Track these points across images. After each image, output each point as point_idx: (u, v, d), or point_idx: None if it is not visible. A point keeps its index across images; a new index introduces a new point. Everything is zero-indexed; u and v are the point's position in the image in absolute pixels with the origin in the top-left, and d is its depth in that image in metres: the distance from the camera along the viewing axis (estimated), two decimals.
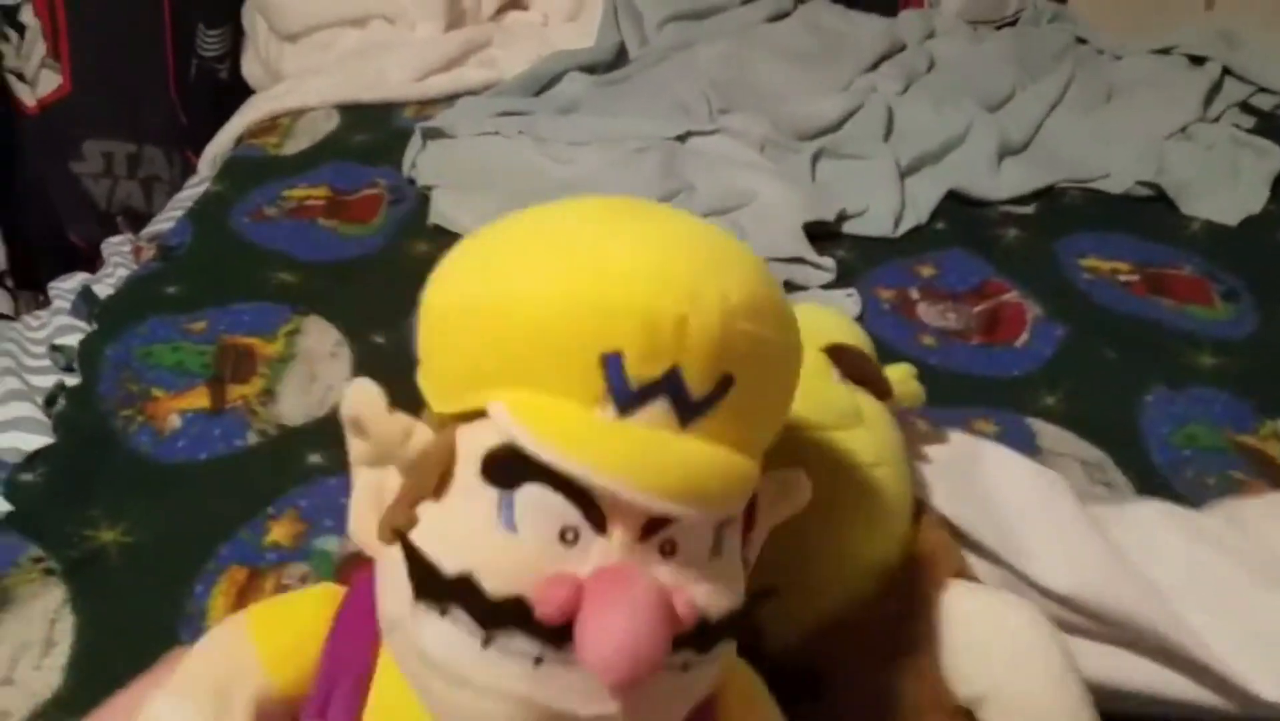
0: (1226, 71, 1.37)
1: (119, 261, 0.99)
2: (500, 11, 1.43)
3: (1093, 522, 0.58)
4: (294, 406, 0.80)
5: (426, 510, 0.39)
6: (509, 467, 0.37)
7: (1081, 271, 1.06)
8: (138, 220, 1.64)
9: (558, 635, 0.36)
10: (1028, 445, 0.83)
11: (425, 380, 0.40)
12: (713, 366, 0.37)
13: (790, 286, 1.01)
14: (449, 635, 0.37)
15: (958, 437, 0.63)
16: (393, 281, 0.95)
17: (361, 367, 0.85)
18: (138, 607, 0.64)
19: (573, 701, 0.37)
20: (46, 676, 0.59)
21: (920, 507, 0.57)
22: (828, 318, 0.61)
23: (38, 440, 0.75)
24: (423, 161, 1.13)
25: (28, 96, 1.57)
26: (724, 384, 0.37)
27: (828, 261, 1.04)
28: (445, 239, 1.06)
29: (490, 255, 0.40)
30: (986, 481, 0.59)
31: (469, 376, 0.38)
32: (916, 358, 0.92)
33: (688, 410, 0.37)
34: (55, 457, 0.73)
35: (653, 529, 0.37)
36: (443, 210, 1.05)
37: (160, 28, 1.53)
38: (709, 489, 0.37)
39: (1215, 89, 1.35)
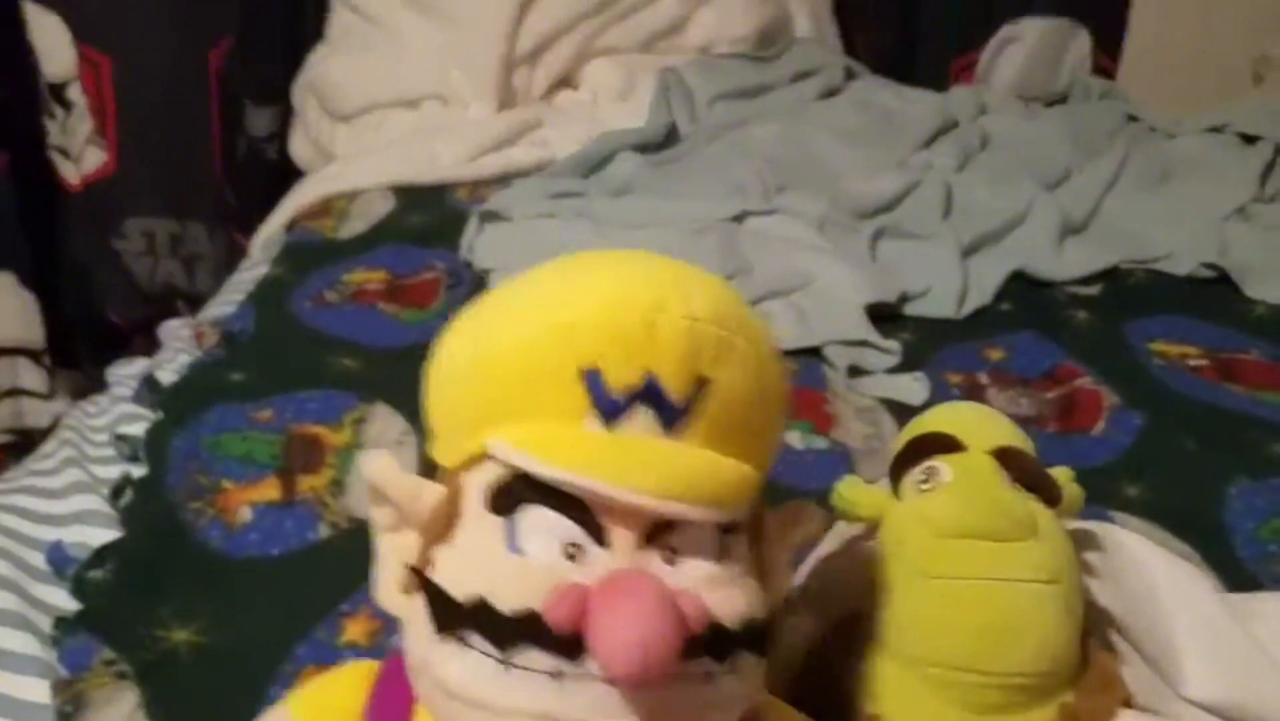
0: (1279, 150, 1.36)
1: (179, 347, 0.98)
2: (551, 91, 1.43)
3: (1236, 620, 0.55)
4: (363, 498, 0.78)
5: (440, 552, 0.41)
6: (510, 494, 0.40)
7: (1152, 356, 1.04)
8: (181, 299, 1.65)
9: (572, 648, 0.37)
10: None
11: (432, 443, 0.44)
12: (687, 369, 0.39)
13: (855, 371, 1.00)
14: (469, 663, 0.38)
15: (1097, 528, 0.60)
16: None
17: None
18: (213, 711, 0.62)
19: (594, 714, 0.38)
20: None
21: (1088, 625, 0.54)
22: (989, 418, 0.58)
23: (105, 534, 0.73)
24: (480, 244, 1.12)
25: (72, 174, 1.58)
26: (700, 386, 0.39)
27: (893, 345, 1.03)
28: None
29: (473, 319, 0.43)
30: (1131, 574, 0.56)
31: (467, 425, 0.41)
32: None
33: (670, 414, 0.39)
34: (124, 553, 0.72)
35: (653, 537, 0.39)
36: None
37: (208, 106, 1.54)
38: (700, 487, 0.39)
39: (1269, 167, 1.34)
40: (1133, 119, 1.47)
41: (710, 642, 0.39)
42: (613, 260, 0.43)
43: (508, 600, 0.38)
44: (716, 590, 0.40)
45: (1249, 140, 1.39)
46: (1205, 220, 1.22)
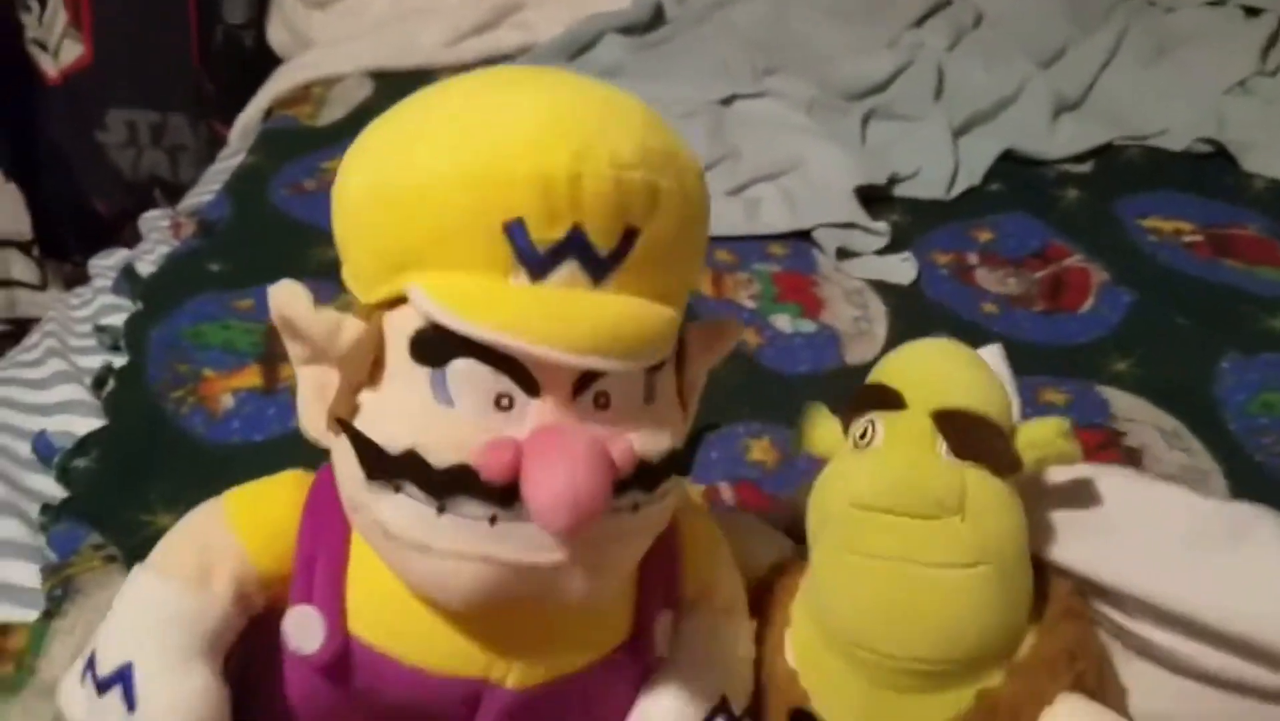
0: None
1: (158, 238, 0.97)
2: None
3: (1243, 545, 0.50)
4: None
5: (366, 398, 0.40)
6: (436, 346, 0.39)
7: (1145, 233, 1.03)
8: (165, 189, 1.63)
9: (506, 495, 0.38)
10: (1101, 413, 0.80)
11: (346, 271, 0.43)
12: (613, 221, 0.38)
13: (844, 253, 0.99)
14: (405, 508, 0.39)
15: (1082, 471, 0.53)
16: None
17: None
18: None
19: (530, 553, 0.38)
20: None
21: (1049, 593, 0.50)
22: (953, 370, 0.50)
23: (89, 423, 0.73)
24: None
25: (50, 66, 1.55)
26: (628, 237, 0.39)
27: (881, 226, 1.01)
28: None
29: (391, 138, 0.41)
30: (1126, 520, 0.51)
31: (386, 263, 0.40)
32: (978, 325, 0.90)
33: (597, 267, 0.38)
34: (108, 441, 0.72)
35: (583, 386, 0.39)
36: None
37: None
38: (628, 339, 0.38)
39: (1273, 41, 1.30)
40: None
41: (638, 477, 0.40)
42: (529, 87, 0.40)
43: (440, 454, 0.38)
44: (645, 430, 0.40)
45: (1252, 13, 1.35)
46: (1203, 95, 1.20)
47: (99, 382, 0.77)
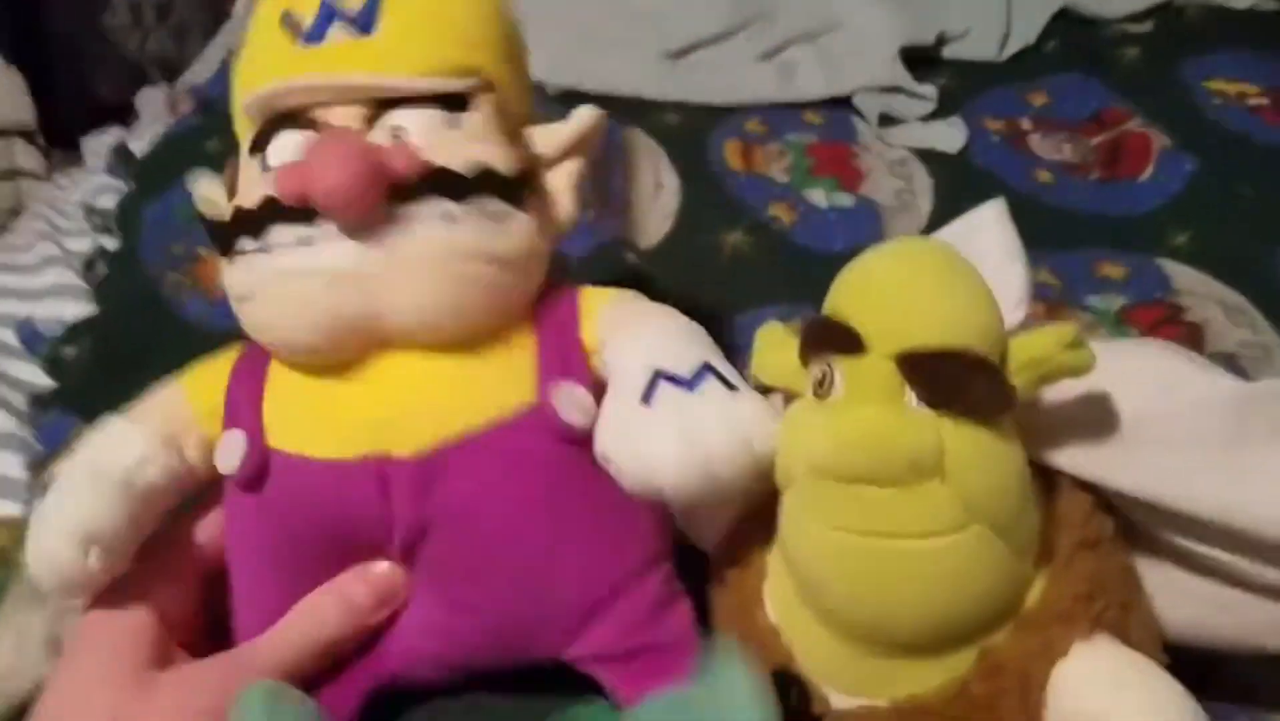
0: None
1: (154, 116, 0.91)
2: None
3: None
4: None
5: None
6: (261, 137, 0.45)
7: (1210, 96, 0.95)
8: (171, 70, 1.58)
9: (308, 214, 0.42)
10: (1160, 288, 0.75)
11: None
12: None
13: (886, 120, 0.92)
14: (240, 266, 0.44)
15: (1099, 357, 0.42)
16: None
17: None
18: None
19: (340, 260, 0.42)
20: None
21: (1060, 519, 0.43)
22: (918, 293, 0.39)
23: (79, 309, 0.69)
24: None
25: None
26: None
27: (928, 89, 0.94)
28: None
29: None
30: (1151, 415, 0.43)
31: (239, 110, 0.48)
32: (1032, 195, 0.84)
33: (356, 24, 0.44)
34: (99, 328, 0.68)
35: (375, 121, 0.44)
36: None
37: None
38: (400, 60, 0.44)
39: None
40: None
41: (440, 185, 0.42)
42: None
43: (254, 199, 0.43)
44: (437, 142, 0.43)
45: None
46: None
47: (89, 266, 0.73)
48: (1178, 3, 1.07)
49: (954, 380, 0.38)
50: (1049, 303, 0.73)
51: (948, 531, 0.38)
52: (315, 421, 0.44)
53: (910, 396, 0.39)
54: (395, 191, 0.42)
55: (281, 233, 0.42)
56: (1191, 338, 0.70)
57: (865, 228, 0.81)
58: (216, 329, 0.68)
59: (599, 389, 0.44)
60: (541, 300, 0.46)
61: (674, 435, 0.39)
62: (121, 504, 0.42)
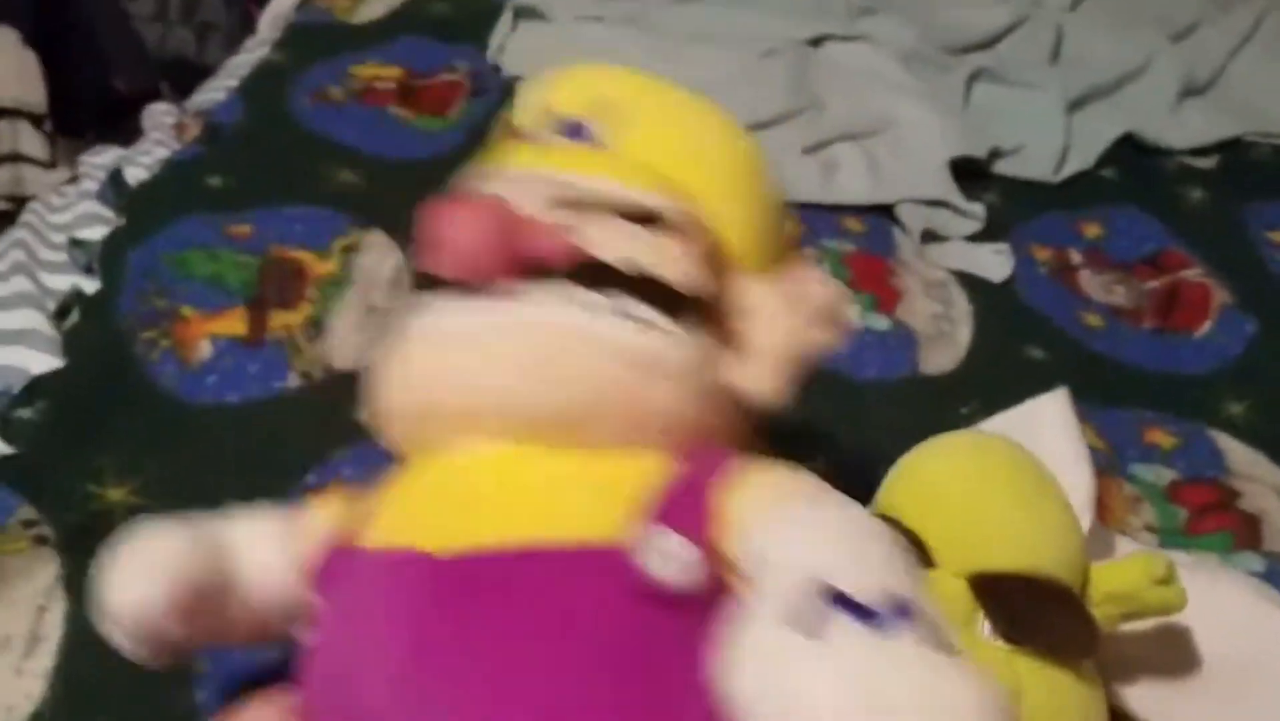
0: None
1: (158, 138, 0.86)
2: None
3: None
4: (344, 344, 0.68)
5: None
6: None
7: (1273, 248, 0.90)
8: (186, 74, 1.53)
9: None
10: (1213, 465, 0.69)
11: None
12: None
13: (930, 236, 0.87)
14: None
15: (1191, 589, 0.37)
16: None
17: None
18: None
19: (456, 322, 0.40)
20: (27, 684, 0.48)
21: None
22: (994, 501, 0.36)
23: (45, 360, 0.63)
24: (511, 45, 0.98)
25: None
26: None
27: (975, 208, 0.89)
28: None
29: None
30: (1230, 656, 0.39)
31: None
32: (1078, 339, 0.79)
33: (578, 130, 0.46)
34: (62, 388, 0.62)
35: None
36: None
37: None
38: (601, 163, 0.44)
39: None
40: None
41: (584, 272, 0.39)
42: None
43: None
44: (607, 236, 0.40)
45: None
46: None
47: (62, 312, 0.67)
48: (1246, 140, 1.02)
49: (1035, 615, 0.34)
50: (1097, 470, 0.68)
51: None
52: (383, 508, 0.40)
53: (983, 626, 0.35)
54: (531, 267, 0.39)
55: (426, 297, 0.41)
56: (1247, 530, 0.65)
57: (899, 356, 0.76)
58: (187, 400, 0.62)
59: (720, 581, 0.35)
60: (696, 447, 0.39)
61: (853, 698, 0.29)
62: (207, 563, 0.41)
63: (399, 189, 0.82)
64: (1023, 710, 0.33)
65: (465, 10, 1.06)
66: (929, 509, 0.37)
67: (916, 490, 0.38)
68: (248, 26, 1.48)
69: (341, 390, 0.64)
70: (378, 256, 0.75)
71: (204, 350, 0.65)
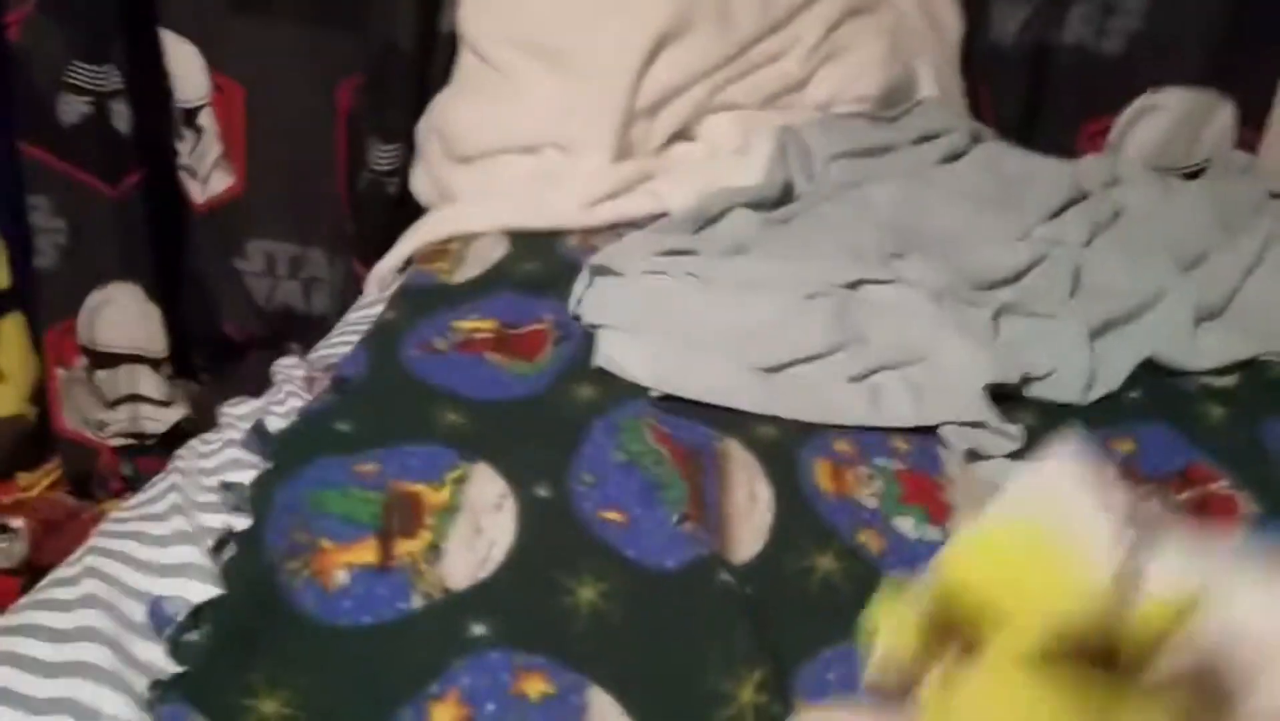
0: None
1: (291, 390, 0.99)
2: (668, 143, 1.41)
3: None
4: (458, 566, 0.77)
5: None
6: None
7: None
8: (296, 320, 1.68)
9: None
10: None
11: None
12: None
13: (974, 455, 0.95)
14: None
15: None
16: (556, 427, 0.93)
17: (526, 523, 0.82)
18: None
19: None
20: None
21: None
22: (1045, 561, 0.44)
23: (204, 589, 0.73)
24: (589, 298, 1.11)
25: (198, 194, 1.63)
26: None
27: (1014, 429, 0.98)
28: (609, 382, 1.05)
29: None
30: None
31: None
32: None
33: None
34: (221, 613, 0.72)
35: None
36: (608, 353, 1.03)
37: (334, 140, 1.57)
38: None
39: None
40: (1275, 196, 1.38)
41: None
42: None
43: None
44: None
45: None
46: None
47: (219, 546, 0.78)
48: (1262, 359, 1.11)
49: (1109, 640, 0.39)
50: None
51: None
52: None
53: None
54: None
55: None
56: None
57: None
58: (326, 623, 0.72)
59: None
60: None
61: None
62: None
63: (498, 425, 0.94)
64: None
65: (550, 268, 1.19)
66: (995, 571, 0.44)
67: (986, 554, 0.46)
68: (350, 280, 1.64)
69: (458, 608, 0.74)
70: (482, 485, 0.85)
71: (341, 578, 0.74)
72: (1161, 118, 1.48)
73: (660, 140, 1.40)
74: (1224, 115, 1.48)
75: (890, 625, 0.47)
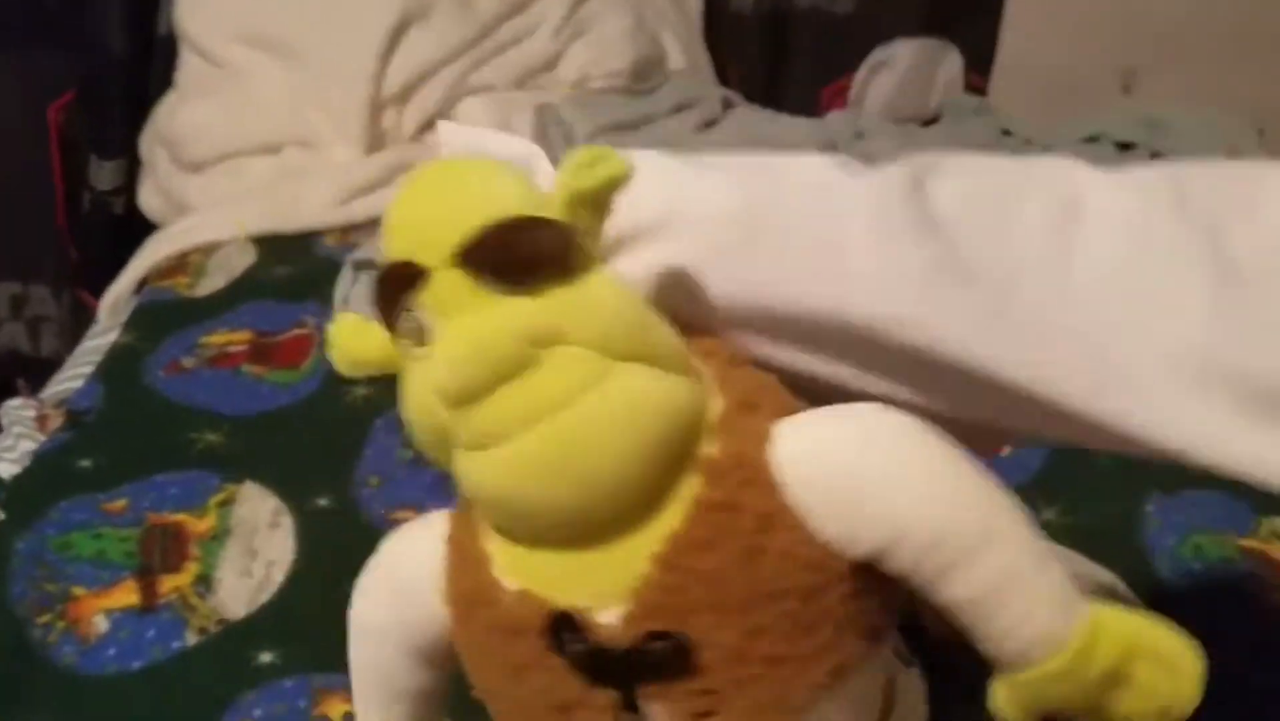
0: (1155, 156, 1.37)
1: (21, 432, 0.88)
2: (422, 131, 1.36)
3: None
4: (235, 594, 0.71)
5: None
6: None
7: None
8: (24, 364, 1.54)
9: None
10: None
11: None
12: None
13: None
14: None
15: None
16: (332, 433, 0.88)
17: (307, 538, 0.76)
18: None
19: None
20: None
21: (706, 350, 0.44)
22: (440, 196, 0.42)
23: None
24: (356, 295, 1.05)
25: None
26: None
27: None
28: (388, 379, 0.98)
29: None
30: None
31: None
32: None
33: None
34: None
35: None
36: None
37: (48, 159, 1.45)
38: None
39: None
40: (1006, 133, 1.47)
41: None
42: None
43: None
44: None
45: (1124, 148, 1.40)
46: None
47: None
48: None
49: (511, 250, 0.38)
50: None
51: (597, 380, 0.38)
52: None
53: (485, 291, 0.38)
54: None
55: None
56: None
57: None
58: (91, 673, 0.64)
59: None
60: None
61: None
62: None
63: (262, 440, 0.87)
64: (562, 321, 0.39)
65: (306, 271, 1.13)
66: (401, 236, 0.41)
67: (390, 233, 0.42)
68: (80, 315, 1.51)
69: (239, 639, 0.67)
70: (253, 504, 0.79)
71: (100, 625, 0.67)
72: (893, 70, 1.54)
73: (414, 128, 1.35)
74: (952, 62, 1.55)
75: (347, 332, 0.44)
